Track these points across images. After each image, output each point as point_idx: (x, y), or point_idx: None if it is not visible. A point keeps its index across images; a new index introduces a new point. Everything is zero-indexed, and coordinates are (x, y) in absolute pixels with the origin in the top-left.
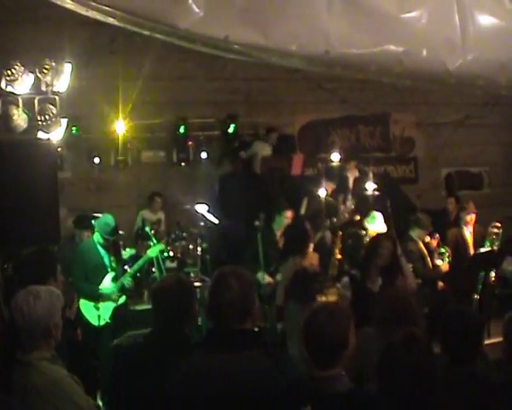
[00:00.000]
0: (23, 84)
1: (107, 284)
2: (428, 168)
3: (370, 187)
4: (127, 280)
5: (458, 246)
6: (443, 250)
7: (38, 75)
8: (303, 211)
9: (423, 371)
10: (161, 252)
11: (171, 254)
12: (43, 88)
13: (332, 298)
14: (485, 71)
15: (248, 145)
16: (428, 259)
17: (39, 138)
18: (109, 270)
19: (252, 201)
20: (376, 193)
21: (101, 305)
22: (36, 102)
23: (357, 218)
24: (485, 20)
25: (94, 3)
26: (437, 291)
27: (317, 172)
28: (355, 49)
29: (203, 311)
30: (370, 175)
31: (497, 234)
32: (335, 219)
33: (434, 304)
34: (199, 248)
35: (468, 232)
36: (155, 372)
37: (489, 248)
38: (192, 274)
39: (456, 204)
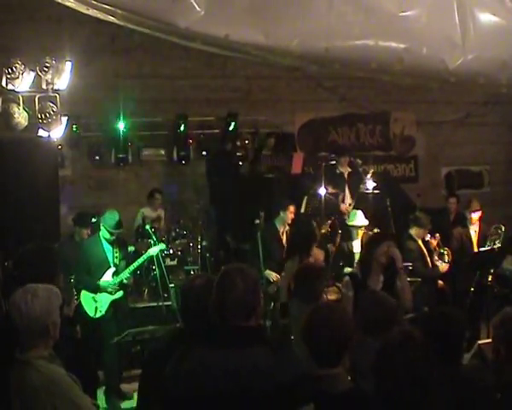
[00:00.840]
0: (24, 82)
1: (107, 279)
2: (428, 167)
3: (370, 185)
4: (126, 276)
5: (463, 245)
6: (443, 251)
7: (39, 73)
8: (302, 209)
9: (420, 371)
10: (162, 251)
11: (172, 251)
12: (44, 86)
13: (332, 297)
14: (486, 69)
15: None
16: (428, 258)
17: (40, 136)
18: (112, 265)
19: (252, 199)
20: (376, 192)
21: (98, 297)
22: (36, 100)
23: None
24: (486, 18)
25: (94, 2)
26: (436, 290)
27: (317, 170)
28: (355, 47)
29: None
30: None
31: (499, 235)
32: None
33: (434, 303)
34: (199, 247)
35: (473, 231)
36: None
37: (489, 247)
38: (192, 272)
39: (458, 204)
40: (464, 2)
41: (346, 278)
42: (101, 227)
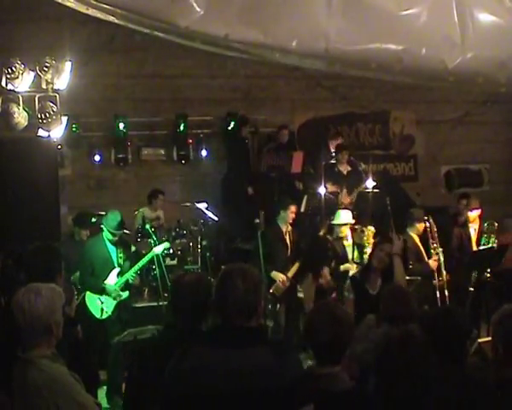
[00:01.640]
0: (24, 82)
1: (112, 279)
2: (428, 166)
3: (370, 184)
4: (131, 276)
5: (462, 243)
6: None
7: (39, 73)
8: (302, 209)
9: (420, 369)
10: (166, 249)
11: (172, 251)
12: (44, 86)
13: None
14: (485, 69)
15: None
16: (424, 254)
17: (40, 136)
18: (116, 265)
19: (252, 199)
20: (376, 191)
21: (104, 298)
22: (36, 99)
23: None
24: (485, 18)
25: (94, 1)
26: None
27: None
28: (355, 47)
29: None
30: (362, 168)
31: (493, 231)
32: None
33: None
34: (199, 246)
35: (472, 230)
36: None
37: (489, 246)
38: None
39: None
40: (463, 1)
41: (348, 281)
42: (104, 228)
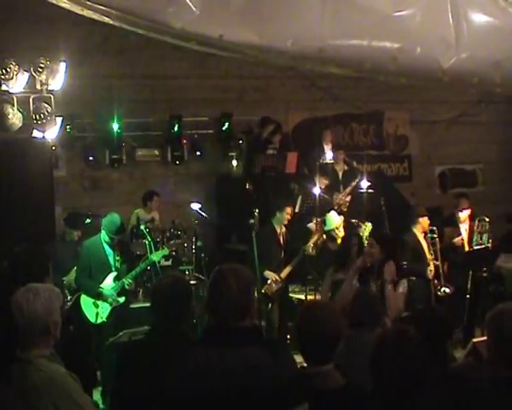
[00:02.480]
0: (18, 82)
1: (108, 283)
2: (422, 166)
3: (364, 185)
4: (128, 281)
5: (453, 244)
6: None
7: (33, 74)
8: (297, 209)
9: (414, 368)
10: (164, 257)
11: (168, 252)
12: (38, 87)
13: None
14: (480, 69)
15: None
16: (426, 252)
17: (34, 137)
18: (113, 269)
19: (247, 199)
20: (370, 191)
21: (100, 303)
22: (31, 100)
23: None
24: (479, 18)
25: (89, 2)
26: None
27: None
28: (349, 47)
29: (198, 308)
30: (357, 168)
31: (484, 228)
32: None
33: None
34: (193, 247)
35: (463, 230)
36: (154, 370)
37: (483, 246)
38: (187, 272)
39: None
40: (458, 2)
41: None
42: (102, 230)
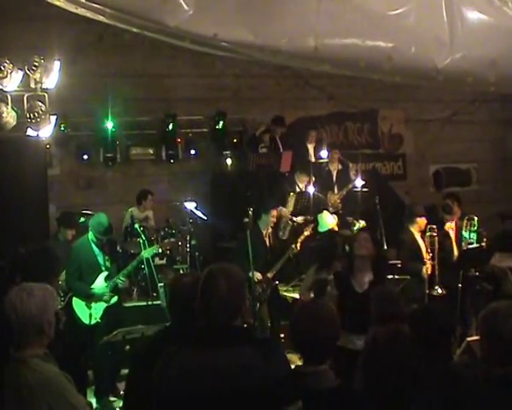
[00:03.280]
0: (12, 81)
1: (99, 283)
2: (417, 165)
3: (359, 183)
4: (120, 280)
5: (442, 243)
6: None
7: (27, 72)
8: (291, 208)
9: (408, 366)
10: (155, 254)
11: (161, 251)
12: (33, 85)
13: None
14: (474, 68)
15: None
16: (423, 251)
17: (28, 135)
18: (103, 269)
19: (242, 198)
20: (365, 190)
21: (93, 304)
22: (25, 99)
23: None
24: (474, 17)
25: (84, 1)
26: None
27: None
28: (344, 46)
29: None
30: (351, 167)
31: (473, 226)
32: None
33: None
34: (188, 245)
35: (450, 230)
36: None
37: (477, 245)
38: (181, 271)
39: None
40: (452, 1)
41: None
42: (90, 231)
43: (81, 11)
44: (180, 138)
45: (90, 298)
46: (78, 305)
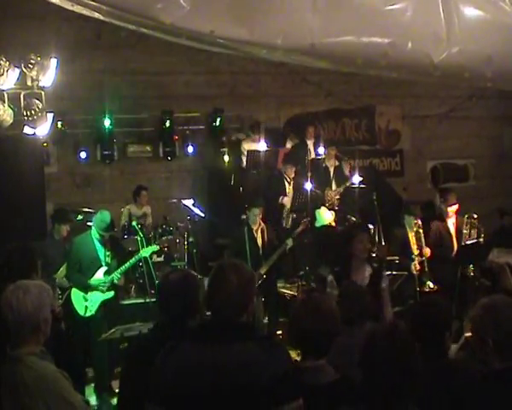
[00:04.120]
0: (9, 79)
1: (99, 277)
2: (414, 161)
3: (356, 180)
4: (116, 276)
5: (441, 238)
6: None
7: (24, 70)
8: (289, 204)
9: (405, 362)
10: (154, 253)
11: (158, 248)
12: (29, 83)
13: None
14: (471, 63)
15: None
16: (415, 247)
17: (25, 133)
18: (103, 264)
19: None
20: (362, 186)
21: (89, 297)
22: (22, 97)
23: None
24: (471, 12)
25: None
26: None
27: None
28: (340, 42)
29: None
30: (345, 164)
31: (473, 224)
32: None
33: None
34: (185, 243)
35: (451, 224)
36: None
37: (475, 241)
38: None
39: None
40: None
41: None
42: (92, 227)
43: (77, 8)
44: (177, 135)
45: (87, 288)
46: (75, 296)
